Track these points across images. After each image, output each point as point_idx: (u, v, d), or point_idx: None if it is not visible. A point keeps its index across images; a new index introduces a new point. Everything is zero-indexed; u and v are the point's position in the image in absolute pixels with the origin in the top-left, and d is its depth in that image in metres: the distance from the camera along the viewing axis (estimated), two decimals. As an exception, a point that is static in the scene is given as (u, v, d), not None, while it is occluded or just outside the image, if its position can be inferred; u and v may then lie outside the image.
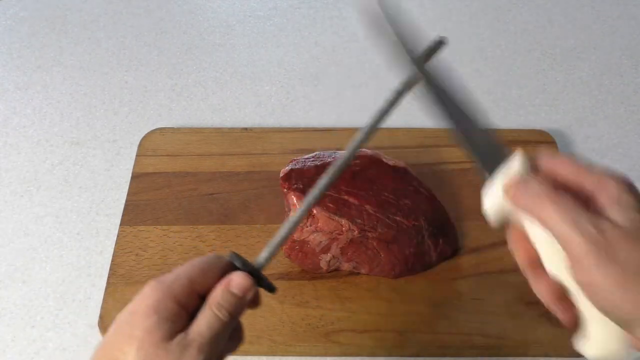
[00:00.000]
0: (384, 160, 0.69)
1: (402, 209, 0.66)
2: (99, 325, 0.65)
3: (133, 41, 0.96)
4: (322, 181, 0.44)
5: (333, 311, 0.66)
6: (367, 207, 0.65)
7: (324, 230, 0.65)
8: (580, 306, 0.40)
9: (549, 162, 0.41)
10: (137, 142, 0.80)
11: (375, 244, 0.66)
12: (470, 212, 0.73)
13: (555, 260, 0.40)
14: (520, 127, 0.83)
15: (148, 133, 0.81)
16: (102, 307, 0.66)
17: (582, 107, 0.88)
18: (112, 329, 0.40)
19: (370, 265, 0.67)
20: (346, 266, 0.68)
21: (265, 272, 0.70)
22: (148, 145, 0.80)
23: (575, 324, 0.41)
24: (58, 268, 0.71)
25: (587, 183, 0.39)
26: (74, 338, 0.66)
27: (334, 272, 0.68)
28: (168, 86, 0.90)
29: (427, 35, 0.44)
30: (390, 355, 0.64)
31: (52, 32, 0.97)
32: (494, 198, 0.41)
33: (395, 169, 0.69)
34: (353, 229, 0.65)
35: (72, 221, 0.75)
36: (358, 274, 0.68)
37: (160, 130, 0.82)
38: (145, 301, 0.40)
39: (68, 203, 0.77)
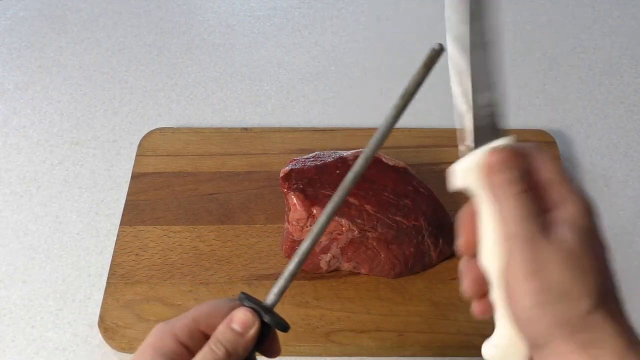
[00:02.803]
0: (384, 160, 0.69)
1: (402, 209, 0.66)
2: (99, 325, 0.65)
3: (133, 41, 0.96)
4: (326, 211, 0.42)
5: (333, 311, 0.66)
6: (367, 207, 0.65)
7: (324, 230, 0.64)
8: (497, 309, 0.40)
9: (533, 156, 0.40)
10: (137, 142, 0.80)
11: (375, 244, 0.66)
12: (470, 212, 0.73)
13: (492, 253, 0.39)
14: (520, 127, 0.83)
15: (148, 133, 0.81)
16: (102, 307, 0.66)
17: (582, 107, 0.88)
18: None
19: (370, 265, 0.67)
20: (346, 266, 0.68)
21: (266, 272, 0.71)
22: (148, 145, 0.80)
23: (483, 316, 0.41)
24: (58, 268, 0.71)
25: (555, 194, 0.39)
26: (74, 338, 0.66)
27: (334, 272, 0.68)
28: (168, 86, 0.90)
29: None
30: (390, 355, 0.64)
31: (52, 32, 0.97)
32: (470, 164, 0.40)
33: (395, 169, 0.69)
34: (353, 229, 0.65)
35: (72, 221, 0.75)
36: (358, 274, 0.68)
37: (160, 130, 0.82)
38: (147, 340, 0.40)
39: (68, 203, 0.77)
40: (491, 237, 0.39)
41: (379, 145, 0.42)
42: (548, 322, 0.36)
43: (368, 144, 0.42)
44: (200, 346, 0.40)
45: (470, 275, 0.41)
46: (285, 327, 0.42)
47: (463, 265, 0.41)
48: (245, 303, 0.41)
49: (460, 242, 0.41)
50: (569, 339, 0.36)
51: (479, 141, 0.41)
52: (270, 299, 0.42)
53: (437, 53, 0.41)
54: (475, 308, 0.41)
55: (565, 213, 0.38)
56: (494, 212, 0.39)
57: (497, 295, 0.39)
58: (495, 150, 0.39)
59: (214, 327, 0.41)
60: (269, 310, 0.41)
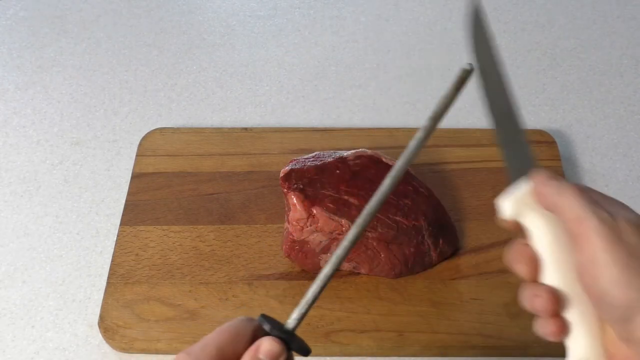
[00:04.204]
0: (384, 160, 0.69)
1: (402, 209, 0.66)
2: (99, 325, 0.65)
3: (133, 41, 0.96)
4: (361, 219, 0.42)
5: (333, 311, 0.66)
6: (367, 207, 0.65)
7: (324, 231, 0.65)
8: (574, 316, 0.41)
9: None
10: (137, 142, 0.80)
11: (375, 244, 0.66)
12: (470, 212, 0.73)
13: (558, 263, 0.41)
14: (520, 127, 0.83)
15: (148, 133, 0.81)
16: (102, 307, 0.66)
17: (582, 107, 0.88)
18: None
19: (370, 265, 0.67)
20: (346, 266, 0.68)
21: (266, 272, 0.71)
22: (148, 145, 0.80)
23: (558, 337, 0.41)
24: (58, 268, 0.71)
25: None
26: (74, 338, 0.66)
27: (334, 272, 0.68)
28: (168, 86, 0.90)
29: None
30: (390, 355, 0.64)
31: (52, 32, 0.97)
32: (515, 193, 0.42)
33: (395, 169, 0.69)
34: (353, 229, 0.65)
35: (72, 221, 0.75)
36: (358, 274, 0.68)
37: (160, 130, 0.82)
38: None
39: (68, 203, 0.77)
40: (554, 250, 0.41)
41: (405, 167, 0.42)
42: (638, 287, 0.36)
43: (394, 166, 0.43)
44: None
45: (542, 296, 0.41)
46: (307, 352, 0.41)
47: (531, 290, 0.42)
48: (266, 327, 0.40)
49: (522, 271, 0.42)
50: None
51: (516, 172, 0.43)
52: (291, 323, 0.41)
53: (468, 73, 0.41)
54: (550, 328, 0.41)
55: (615, 203, 0.40)
56: (553, 221, 0.41)
57: (574, 302, 0.40)
58: (538, 171, 0.42)
59: (238, 354, 0.39)
60: (291, 335, 0.41)
